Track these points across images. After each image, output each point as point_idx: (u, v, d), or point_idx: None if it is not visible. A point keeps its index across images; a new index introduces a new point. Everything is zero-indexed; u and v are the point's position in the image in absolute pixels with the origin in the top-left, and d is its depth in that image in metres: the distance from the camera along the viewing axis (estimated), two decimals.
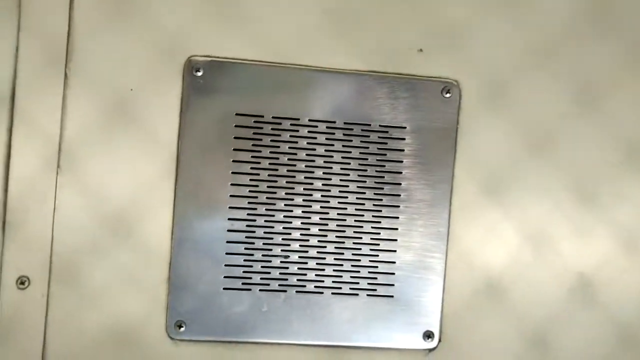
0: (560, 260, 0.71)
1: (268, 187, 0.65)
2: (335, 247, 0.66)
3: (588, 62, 0.70)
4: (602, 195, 0.71)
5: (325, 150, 0.66)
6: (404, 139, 0.67)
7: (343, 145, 0.66)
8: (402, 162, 0.67)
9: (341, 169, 0.66)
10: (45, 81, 0.61)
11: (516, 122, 0.70)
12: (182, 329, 0.64)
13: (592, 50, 0.70)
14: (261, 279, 0.65)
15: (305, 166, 0.66)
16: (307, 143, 0.66)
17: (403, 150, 0.67)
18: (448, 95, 0.68)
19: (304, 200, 0.66)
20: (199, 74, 0.64)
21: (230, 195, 0.65)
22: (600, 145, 0.70)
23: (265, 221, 0.65)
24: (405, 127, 0.67)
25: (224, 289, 0.65)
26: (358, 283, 0.67)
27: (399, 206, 0.67)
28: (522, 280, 0.70)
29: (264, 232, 0.65)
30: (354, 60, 0.66)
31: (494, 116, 0.69)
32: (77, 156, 0.62)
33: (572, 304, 0.71)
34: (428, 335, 0.68)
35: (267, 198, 0.65)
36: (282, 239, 0.66)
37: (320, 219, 0.66)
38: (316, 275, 0.66)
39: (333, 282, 0.66)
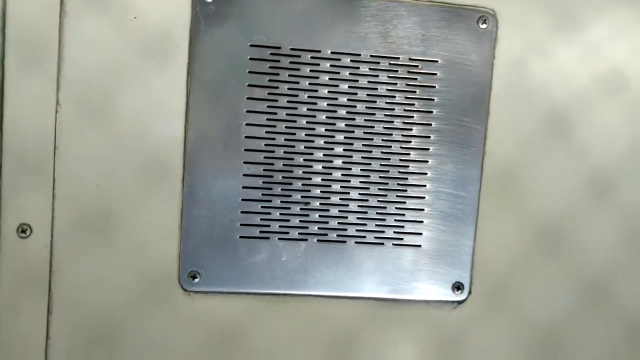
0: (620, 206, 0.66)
1: (286, 127, 0.60)
2: (360, 194, 0.62)
3: None
4: None
5: (349, 87, 0.61)
6: (435, 74, 0.62)
7: (369, 82, 0.61)
8: (433, 100, 0.62)
9: (366, 107, 0.61)
10: None
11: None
12: (197, 279, 0.61)
13: None
14: (280, 227, 0.61)
15: (327, 104, 0.61)
16: (329, 79, 0.60)
17: (434, 86, 0.62)
18: (484, 25, 0.62)
19: (325, 142, 0.61)
20: (209, 0, 0.58)
21: (245, 137, 0.60)
22: None
23: (284, 165, 0.61)
24: (437, 61, 0.62)
25: (240, 237, 0.61)
26: (383, 232, 0.63)
27: (428, 149, 0.62)
28: (576, 223, 0.65)
29: (282, 177, 0.61)
30: None
31: (534, 48, 0.63)
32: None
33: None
34: (457, 286, 0.64)
35: (285, 140, 0.60)
36: (302, 185, 0.61)
37: (343, 162, 0.61)
38: (339, 223, 0.62)
39: (357, 230, 0.63)
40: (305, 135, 0.61)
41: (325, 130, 0.61)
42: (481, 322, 0.66)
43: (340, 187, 0.62)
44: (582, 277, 0.66)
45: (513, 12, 0.62)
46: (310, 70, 0.60)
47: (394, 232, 0.63)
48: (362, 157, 0.62)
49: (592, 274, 0.66)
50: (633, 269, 0.67)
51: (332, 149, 0.61)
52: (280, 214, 0.61)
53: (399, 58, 0.61)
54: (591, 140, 0.65)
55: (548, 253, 0.66)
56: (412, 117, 0.62)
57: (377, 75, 0.61)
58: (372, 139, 0.62)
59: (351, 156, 0.62)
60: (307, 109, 0.60)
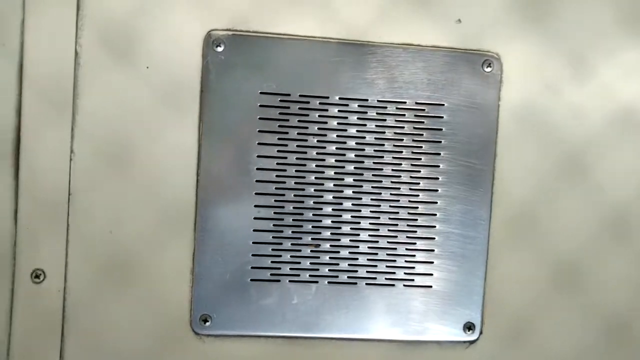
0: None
1: (296, 171, 0.61)
2: (370, 235, 0.62)
3: None
4: None
5: (357, 131, 0.62)
6: (441, 117, 0.63)
7: (376, 125, 0.62)
8: (440, 142, 0.63)
9: (374, 150, 0.62)
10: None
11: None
12: (208, 323, 0.61)
13: None
14: (290, 269, 0.62)
15: (336, 148, 0.62)
16: (338, 123, 0.62)
17: (441, 129, 0.63)
18: (489, 69, 0.63)
19: (335, 185, 0.62)
20: (220, 49, 0.59)
21: (256, 181, 0.61)
22: None
23: (294, 208, 0.61)
24: (443, 105, 0.63)
25: (251, 280, 0.61)
26: (394, 273, 0.63)
27: (437, 190, 0.63)
28: (592, 261, 0.65)
29: (293, 220, 0.61)
30: (386, 32, 0.61)
31: (540, 89, 0.64)
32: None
33: None
34: (468, 327, 0.64)
35: (295, 183, 0.61)
36: (312, 227, 0.62)
37: (353, 204, 0.62)
38: (349, 265, 0.62)
39: (367, 272, 0.63)
40: (315, 178, 0.62)
41: (335, 173, 0.62)
42: None
43: (350, 229, 0.62)
44: (598, 314, 0.66)
45: (518, 55, 0.64)
46: (319, 116, 0.61)
47: (405, 273, 0.63)
48: (372, 199, 0.62)
49: (609, 311, 0.66)
50: None
51: (342, 191, 0.62)
52: (291, 256, 0.62)
53: (405, 102, 0.62)
54: (604, 178, 0.65)
55: (562, 292, 0.65)
56: (420, 159, 0.63)
57: (385, 119, 0.62)
58: (381, 182, 0.62)
59: (360, 198, 0.62)
60: (317, 153, 0.61)
